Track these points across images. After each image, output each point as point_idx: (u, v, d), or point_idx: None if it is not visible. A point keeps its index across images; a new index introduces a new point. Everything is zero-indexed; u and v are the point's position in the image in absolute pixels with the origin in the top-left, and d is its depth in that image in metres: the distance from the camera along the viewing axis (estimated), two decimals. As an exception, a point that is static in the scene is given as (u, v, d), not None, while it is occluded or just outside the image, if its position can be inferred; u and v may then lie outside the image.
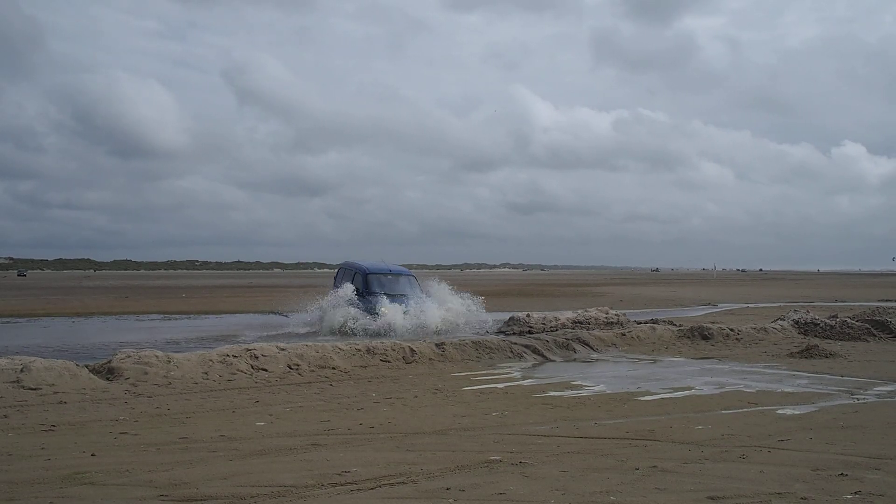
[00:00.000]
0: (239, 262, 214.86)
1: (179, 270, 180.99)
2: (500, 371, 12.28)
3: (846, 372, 11.78)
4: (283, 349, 12.19)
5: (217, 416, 8.24)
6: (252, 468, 5.78)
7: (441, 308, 18.87)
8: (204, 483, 5.30)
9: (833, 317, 18.68)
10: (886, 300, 34.94)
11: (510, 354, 14.01)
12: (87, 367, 10.45)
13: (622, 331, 17.12)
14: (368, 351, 12.88)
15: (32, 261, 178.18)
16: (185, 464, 5.92)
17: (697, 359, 13.98)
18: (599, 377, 11.59)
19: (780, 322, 18.62)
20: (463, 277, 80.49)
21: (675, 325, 18.12)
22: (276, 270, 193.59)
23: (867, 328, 17.34)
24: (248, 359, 11.51)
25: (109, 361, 10.75)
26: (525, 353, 14.16)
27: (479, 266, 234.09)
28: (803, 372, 11.90)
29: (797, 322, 18.35)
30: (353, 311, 18.48)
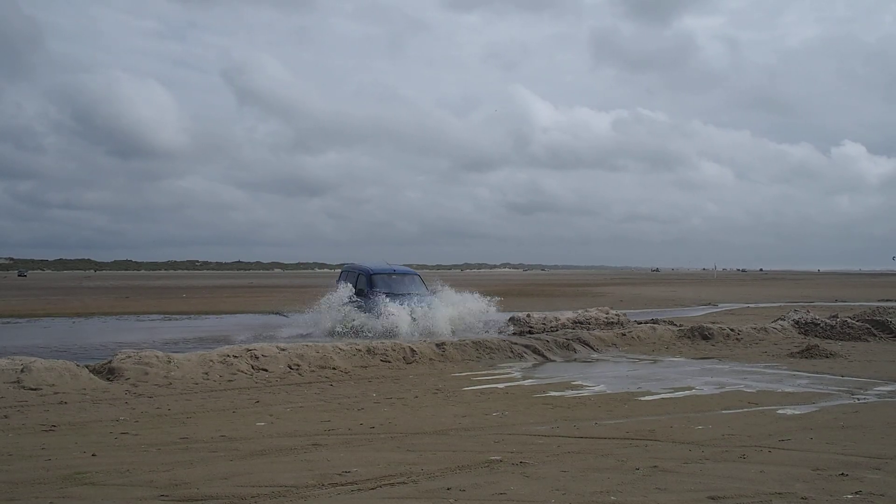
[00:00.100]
0: (239, 262, 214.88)
1: (180, 270, 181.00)
2: (501, 371, 12.29)
3: (847, 372, 11.78)
4: (283, 349, 12.19)
5: (217, 417, 8.24)
6: (252, 468, 5.78)
7: (451, 307, 18.49)
8: (204, 483, 5.30)
9: (833, 317, 18.68)
10: (887, 300, 34.94)
11: (510, 354, 14.01)
12: (87, 367, 10.46)
13: (622, 331, 17.12)
14: (369, 351, 12.88)
15: (33, 261, 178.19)
16: (186, 464, 5.92)
17: (698, 359, 13.98)
18: (600, 377, 11.59)
19: (780, 322, 18.61)
20: (463, 277, 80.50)
21: (675, 325, 18.12)
22: (276, 271, 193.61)
23: (867, 328, 17.34)
24: (249, 359, 11.52)
25: (110, 362, 10.75)
26: (525, 353, 14.17)
27: (480, 266, 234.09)
28: (804, 372, 11.90)
29: (797, 322, 18.35)
30: (354, 312, 18.33)
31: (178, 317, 27.92)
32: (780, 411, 8.40)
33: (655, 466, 5.74)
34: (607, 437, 6.98)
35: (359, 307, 18.46)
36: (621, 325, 19.40)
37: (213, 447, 6.60)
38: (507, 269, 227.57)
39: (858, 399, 9.26)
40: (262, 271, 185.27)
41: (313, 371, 11.65)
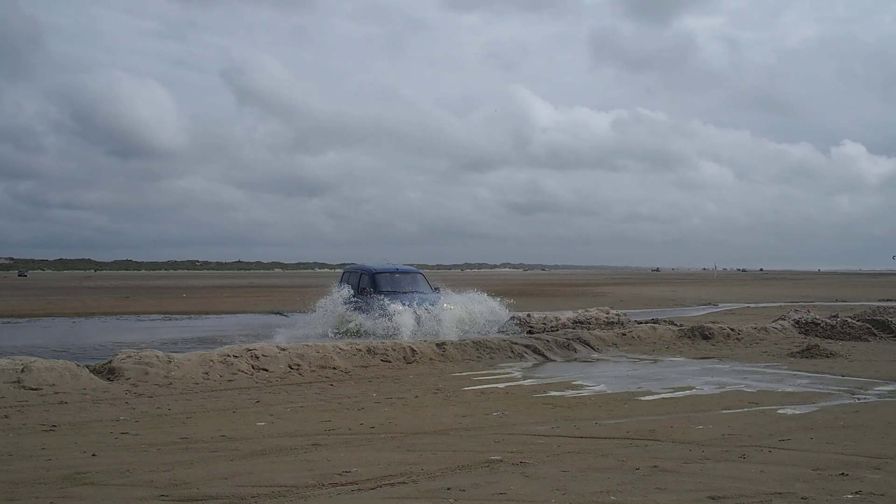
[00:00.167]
0: (239, 262, 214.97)
1: (180, 270, 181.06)
2: (501, 371, 12.28)
3: (847, 372, 11.77)
4: (283, 349, 12.20)
5: (218, 417, 8.24)
6: (253, 468, 5.78)
7: (459, 308, 18.26)
8: (204, 483, 5.30)
9: (834, 316, 18.67)
10: (887, 300, 34.93)
11: (511, 354, 14.01)
12: (87, 367, 10.46)
13: (623, 331, 17.11)
14: (369, 351, 12.88)
15: (33, 261, 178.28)
16: (186, 464, 5.92)
17: (698, 358, 13.98)
18: (600, 377, 11.59)
19: (780, 322, 18.61)
20: (463, 277, 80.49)
21: (675, 324, 18.11)
22: (276, 270, 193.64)
23: (868, 328, 17.33)
24: (249, 359, 11.52)
25: (110, 362, 10.75)
26: (526, 352, 14.16)
27: (480, 266, 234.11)
28: (804, 372, 11.90)
29: (798, 322, 18.34)
30: (352, 315, 18.14)
31: (178, 317, 27.92)
32: (780, 411, 8.40)
33: (655, 466, 5.73)
34: (607, 437, 6.98)
35: (360, 308, 18.28)
36: (621, 324, 19.40)
37: (213, 447, 6.60)
38: (507, 269, 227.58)
39: (859, 399, 9.25)
40: (262, 271, 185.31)
41: (313, 371, 11.65)
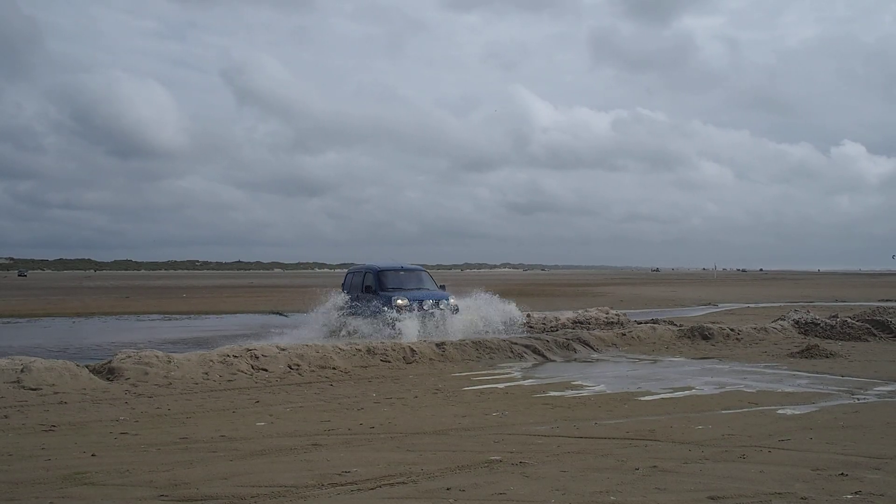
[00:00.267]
0: (239, 262, 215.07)
1: (180, 270, 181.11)
2: (501, 371, 12.28)
3: (847, 372, 11.77)
4: (283, 349, 12.20)
5: (217, 417, 8.24)
6: (252, 468, 5.78)
7: (470, 313, 17.99)
8: (204, 483, 5.30)
9: (833, 317, 18.68)
10: (887, 300, 34.93)
11: (510, 354, 14.00)
12: (87, 367, 10.46)
13: (622, 331, 17.11)
14: (369, 351, 12.88)
15: (33, 261, 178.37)
16: (186, 464, 5.92)
17: (698, 359, 13.98)
18: (600, 377, 11.59)
19: (780, 322, 18.60)
20: (463, 277, 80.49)
21: (675, 325, 18.11)
22: (276, 270, 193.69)
23: (868, 328, 17.33)
24: (249, 359, 11.52)
25: (110, 362, 10.75)
26: (525, 353, 14.16)
27: (480, 266, 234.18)
28: (804, 372, 11.90)
29: (797, 322, 18.34)
30: (352, 321, 17.94)
31: (178, 317, 27.92)
32: (780, 411, 8.40)
33: (655, 466, 5.73)
34: (607, 437, 6.98)
35: (360, 311, 18.09)
36: (621, 324, 19.41)
37: (213, 447, 6.60)
38: (507, 269, 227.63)
39: (858, 399, 9.25)
40: (262, 271, 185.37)
41: (313, 371, 11.65)
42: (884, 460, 5.95)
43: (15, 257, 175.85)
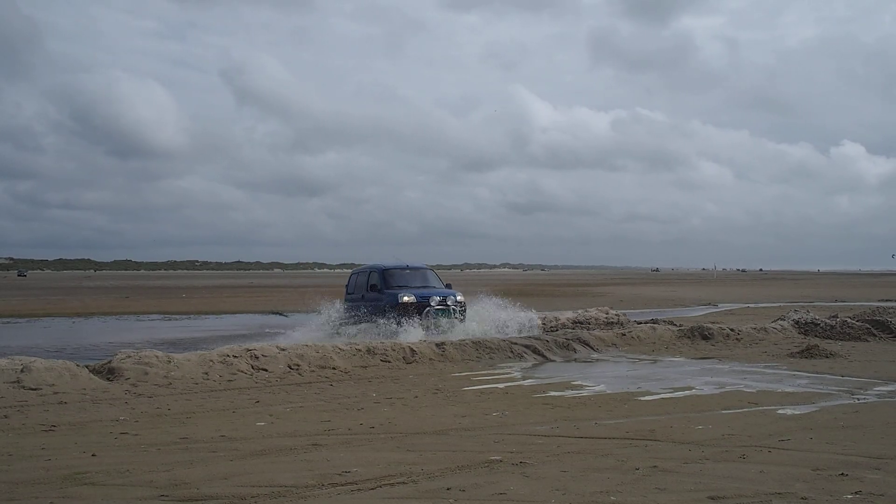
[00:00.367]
0: (239, 262, 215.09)
1: (179, 270, 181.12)
2: (501, 371, 12.28)
3: (847, 372, 11.77)
4: (283, 349, 12.20)
5: (217, 417, 8.24)
6: (252, 468, 5.78)
7: (479, 323, 17.71)
8: (204, 483, 5.30)
9: (833, 317, 18.67)
10: (887, 300, 34.94)
11: (510, 354, 14.00)
12: (87, 367, 10.45)
13: (622, 331, 17.10)
14: (369, 351, 12.88)
15: (33, 261, 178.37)
16: (186, 464, 5.92)
17: (698, 359, 13.98)
18: (600, 377, 11.58)
19: (780, 322, 18.60)
20: (463, 277, 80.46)
21: (675, 325, 18.10)
22: (276, 270, 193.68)
23: (867, 328, 17.33)
24: (249, 359, 11.51)
25: (110, 362, 10.75)
26: (525, 353, 14.16)
27: (480, 266, 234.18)
28: (804, 372, 11.90)
29: (797, 322, 18.33)
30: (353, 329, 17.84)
31: (177, 317, 27.93)
32: (780, 411, 8.40)
33: (655, 466, 5.73)
34: (607, 437, 6.98)
35: (373, 302, 17.91)
36: (621, 325, 19.41)
37: (213, 447, 6.60)
38: (506, 269, 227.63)
39: (858, 399, 9.25)
40: (261, 271, 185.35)
41: (313, 371, 11.64)
42: (884, 460, 5.95)
43: (14, 257, 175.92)
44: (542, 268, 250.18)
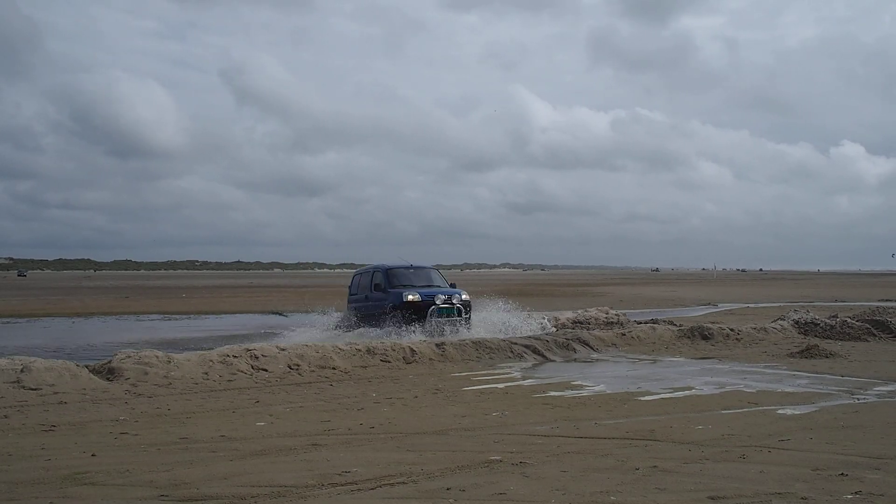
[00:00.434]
0: (239, 262, 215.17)
1: (179, 270, 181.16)
2: (501, 371, 12.28)
3: (846, 372, 11.77)
4: (283, 349, 12.20)
5: (217, 417, 8.24)
6: (252, 468, 5.78)
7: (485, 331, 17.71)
8: (204, 483, 5.30)
9: (833, 317, 18.68)
10: (887, 300, 34.94)
11: (510, 354, 14.00)
12: (87, 367, 10.45)
13: (622, 331, 17.11)
14: (368, 351, 12.88)
15: (33, 261, 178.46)
16: (186, 464, 5.92)
17: (697, 359, 13.98)
18: (599, 377, 11.58)
19: (780, 322, 18.61)
20: (463, 277, 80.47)
21: (675, 325, 18.11)
22: (276, 270, 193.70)
23: (867, 328, 17.33)
24: (249, 359, 11.51)
25: (109, 362, 10.75)
26: (525, 353, 14.16)
27: (480, 266, 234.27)
28: (803, 372, 11.89)
29: (797, 322, 18.34)
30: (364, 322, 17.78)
31: (177, 317, 27.93)
32: (780, 411, 8.40)
33: (655, 466, 5.73)
34: (607, 437, 6.98)
35: (377, 302, 17.82)
36: (621, 325, 19.42)
37: (213, 447, 6.60)
38: (506, 269, 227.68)
39: (858, 399, 9.25)
40: (261, 271, 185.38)
41: (313, 371, 11.64)
42: (884, 460, 5.95)
43: (14, 257, 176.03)
44: (542, 268, 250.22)
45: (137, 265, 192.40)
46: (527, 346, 14.45)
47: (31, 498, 4.98)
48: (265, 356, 11.70)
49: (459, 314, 16.98)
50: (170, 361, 10.88)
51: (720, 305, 35.15)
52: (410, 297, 16.75)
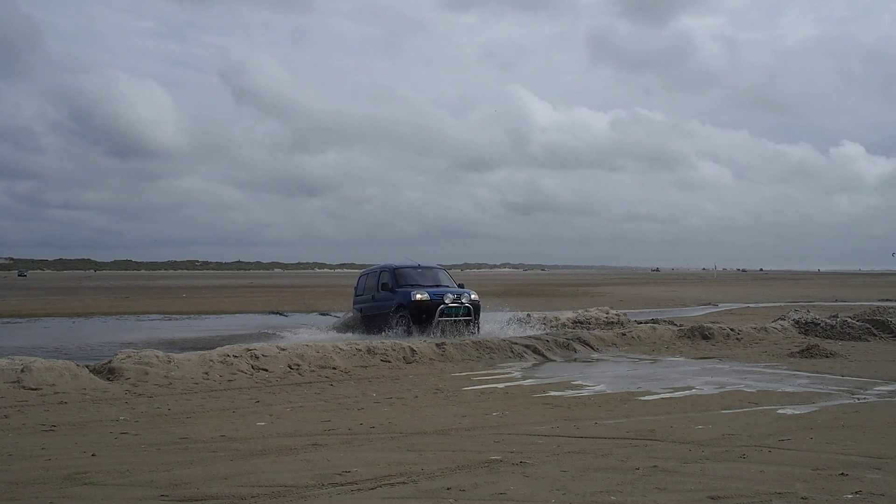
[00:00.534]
0: (239, 262, 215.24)
1: (180, 270, 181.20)
2: (501, 371, 12.28)
3: (847, 371, 11.77)
4: (283, 349, 12.20)
5: (217, 416, 8.24)
6: (252, 468, 5.78)
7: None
8: (204, 483, 5.30)
9: (833, 316, 18.67)
10: (887, 300, 34.94)
11: (510, 354, 14.00)
12: (87, 367, 10.45)
13: (622, 331, 17.11)
14: (369, 351, 12.88)
15: (33, 261, 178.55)
16: (186, 464, 5.92)
17: (698, 358, 13.98)
18: (600, 377, 11.58)
19: (780, 322, 18.61)
20: (463, 277, 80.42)
21: (675, 324, 18.11)
22: (276, 271, 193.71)
23: (868, 328, 17.33)
24: (249, 359, 11.51)
25: (110, 362, 10.75)
26: (525, 353, 14.16)
27: (480, 266, 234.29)
28: (804, 372, 11.89)
29: (797, 322, 18.34)
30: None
31: (177, 317, 27.93)
32: (780, 411, 8.40)
33: (655, 466, 5.73)
34: (607, 437, 6.98)
35: (384, 301, 17.57)
36: (621, 324, 19.41)
37: (213, 447, 6.60)
38: (507, 269, 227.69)
39: (858, 399, 9.25)
40: (261, 271, 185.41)
41: (313, 371, 11.64)
42: (884, 460, 5.95)
43: (14, 257, 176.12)
44: (542, 268, 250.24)
45: (137, 265, 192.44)
46: (527, 346, 14.45)
47: (31, 498, 4.98)
48: (265, 356, 11.70)
49: (469, 314, 16.82)
50: (170, 361, 10.88)
51: (720, 305, 35.14)
52: (419, 297, 16.59)
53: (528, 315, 20.09)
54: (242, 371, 11.16)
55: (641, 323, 19.09)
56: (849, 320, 17.96)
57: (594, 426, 7.57)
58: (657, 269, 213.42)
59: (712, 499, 4.87)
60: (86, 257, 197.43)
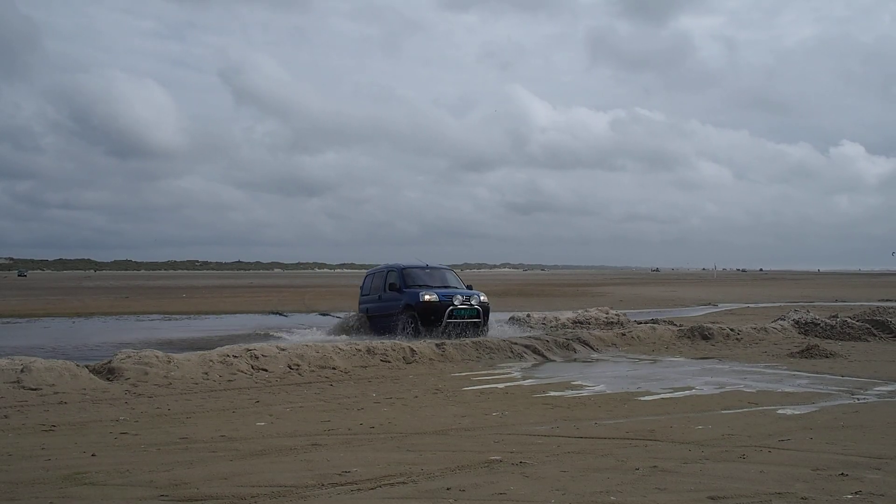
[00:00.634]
0: (239, 262, 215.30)
1: (180, 270, 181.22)
2: (501, 371, 12.28)
3: (847, 372, 11.77)
4: (283, 349, 12.20)
5: (217, 417, 8.24)
6: (252, 468, 5.78)
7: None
8: (204, 483, 5.30)
9: (833, 317, 18.68)
10: (887, 300, 34.94)
11: (510, 354, 14.00)
12: (87, 367, 10.45)
13: (622, 331, 17.11)
14: (369, 351, 12.88)
15: (33, 261, 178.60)
16: (186, 464, 5.92)
17: (698, 359, 13.98)
18: (599, 377, 11.59)
19: (780, 322, 18.61)
20: (464, 277, 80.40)
21: (675, 325, 18.11)
22: (276, 270, 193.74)
23: (868, 328, 17.33)
24: (249, 359, 11.51)
25: (110, 362, 10.75)
26: (525, 353, 14.16)
27: (480, 266, 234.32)
28: (804, 372, 11.90)
29: (797, 322, 18.34)
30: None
31: (177, 317, 27.93)
32: (780, 411, 8.40)
33: (655, 466, 5.73)
34: (607, 437, 6.98)
35: (392, 302, 17.38)
36: (621, 325, 19.42)
37: (213, 447, 6.60)
38: (506, 269, 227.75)
39: (858, 399, 9.25)
40: (261, 271, 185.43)
41: (313, 371, 11.65)
42: (884, 460, 5.95)
43: (14, 257, 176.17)
44: (542, 268, 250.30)
45: (137, 265, 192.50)
46: (527, 346, 14.45)
47: (31, 498, 4.98)
48: (265, 356, 11.71)
49: (478, 316, 16.64)
50: (170, 361, 10.88)
51: (720, 305, 35.14)
52: (427, 297, 16.34)
53: (528, 315, 20.10)
54: (242, 371, 11.16)
55: (641, 323, 19.10)
56: (849, 320, 17.97)
57: (594, 426, 7.57)
58: (657, 270, 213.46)
59: (712, 499, 4.87)
60: (86, 257, 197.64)
